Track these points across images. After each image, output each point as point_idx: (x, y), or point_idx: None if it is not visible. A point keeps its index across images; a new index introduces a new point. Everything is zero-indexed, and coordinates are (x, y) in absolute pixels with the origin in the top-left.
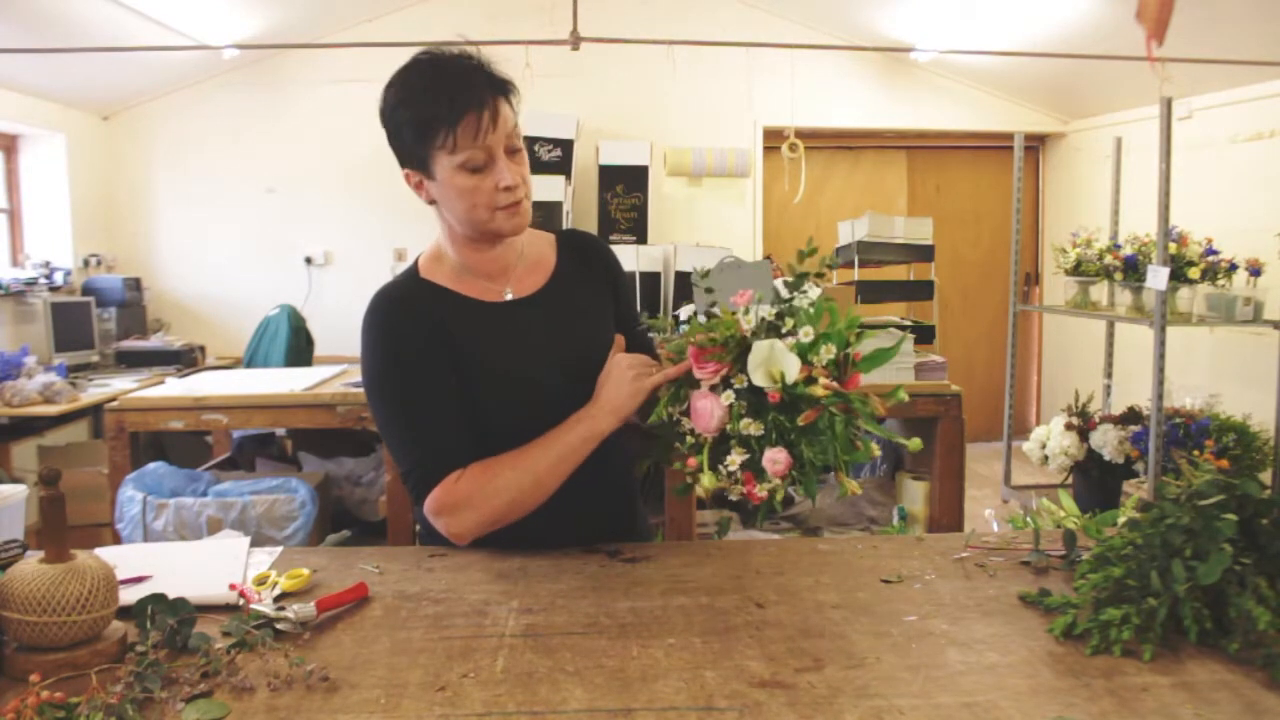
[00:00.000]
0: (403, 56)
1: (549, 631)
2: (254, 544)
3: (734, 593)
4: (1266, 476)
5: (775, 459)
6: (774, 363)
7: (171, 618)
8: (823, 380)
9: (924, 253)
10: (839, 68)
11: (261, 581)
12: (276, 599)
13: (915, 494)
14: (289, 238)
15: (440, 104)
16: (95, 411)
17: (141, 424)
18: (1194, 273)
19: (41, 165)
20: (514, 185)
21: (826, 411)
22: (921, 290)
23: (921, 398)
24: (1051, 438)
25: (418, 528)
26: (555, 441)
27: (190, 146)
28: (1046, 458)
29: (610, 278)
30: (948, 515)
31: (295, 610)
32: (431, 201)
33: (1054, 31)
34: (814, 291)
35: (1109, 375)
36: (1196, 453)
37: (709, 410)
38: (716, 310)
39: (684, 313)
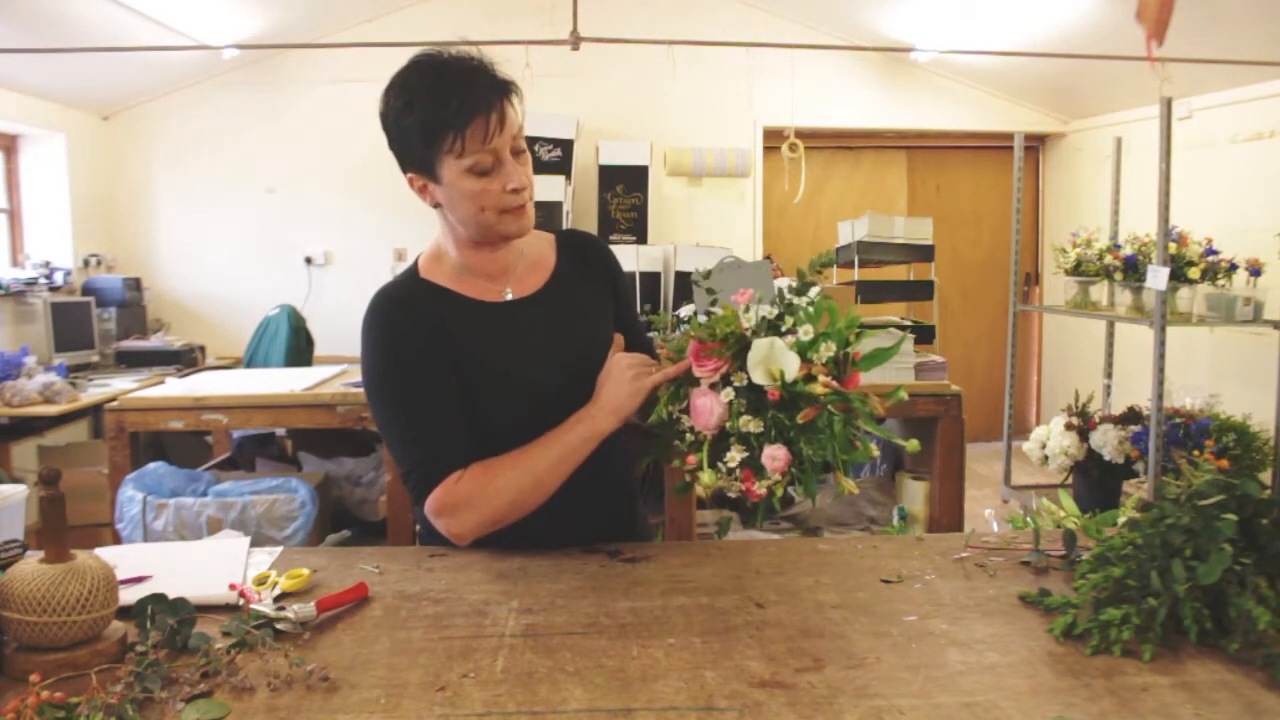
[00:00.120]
0: (403, 56)
1: (549, 631)
2: (254, 544)
3: (734, 593)
4: (1266, 476)
5: (774, 456)
6: (773, 361)
7: (171, 618)
8: (822, 378)
9: (924, 253)
10: (839, 68)
11: (261, 581)
12: (276, 599)
13: (915, 494)
14: (289, 238)
15: (447, 108)
16: (95, 411)
17: (141, 424)
18: (1194, 273)
19: (41, 165)
20: (521, 187)
21: (825, 410)
22: (921, 290)
23: (921, 398)
24: (1051, 438)
25: (418, 528)
26: (555, 441)
27: (190, 146)
28: (1046, 458)
29: (610, 278)
30: (948, 515)
31: (295, 610)
32: (436, 205)
33: (1054, 31)
34: (813, 290)
35: (1109, 375)
36: (1196, 453)
37: (708, 408)
38: (717, 309)
39: (684, 312)
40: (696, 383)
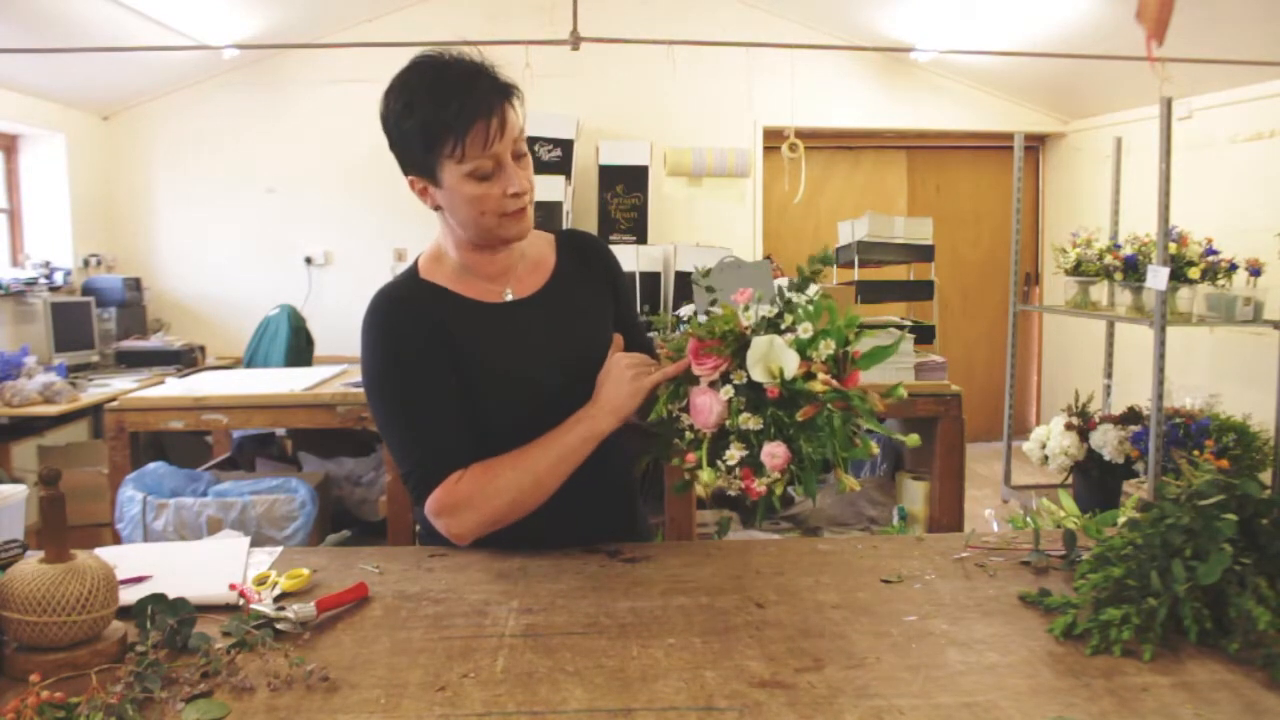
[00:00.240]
0: (403, 56)
1: (549, 631)
2: (254, 544)
3: (734, 593)
4: (1266, 476)
5: (773, 453)
6: (773, 358)
7: (171, 618)
8: (821, 376)
9: (924, 253)
10: (839, 68)
11: (261, 581)
12: (276, 599)
13: (915, 494)
14: (289, 238)
15: (447, 112)
16: (95, 411)
17: (141, 424)
18: (1194, 273)
19: (41, 165)
20: (521, 192)
21: (825, 408)
22: (921, 290)
23: (921, 398)
24: (1051, 438)
25: (418, 528)
26: (555, 442)
27: (190, 146)
28: (1046, 458)
29: (610, 278)
30: (948, 515)
31: (295, 610)
32: (437, 207)
33: (1054, 31)
34: (812, 289)
35: (1109, 375)
36: (1196, 453)
37: (708, 406)
38: (717, 309)
39: (684, 312)
40: (696, 381)
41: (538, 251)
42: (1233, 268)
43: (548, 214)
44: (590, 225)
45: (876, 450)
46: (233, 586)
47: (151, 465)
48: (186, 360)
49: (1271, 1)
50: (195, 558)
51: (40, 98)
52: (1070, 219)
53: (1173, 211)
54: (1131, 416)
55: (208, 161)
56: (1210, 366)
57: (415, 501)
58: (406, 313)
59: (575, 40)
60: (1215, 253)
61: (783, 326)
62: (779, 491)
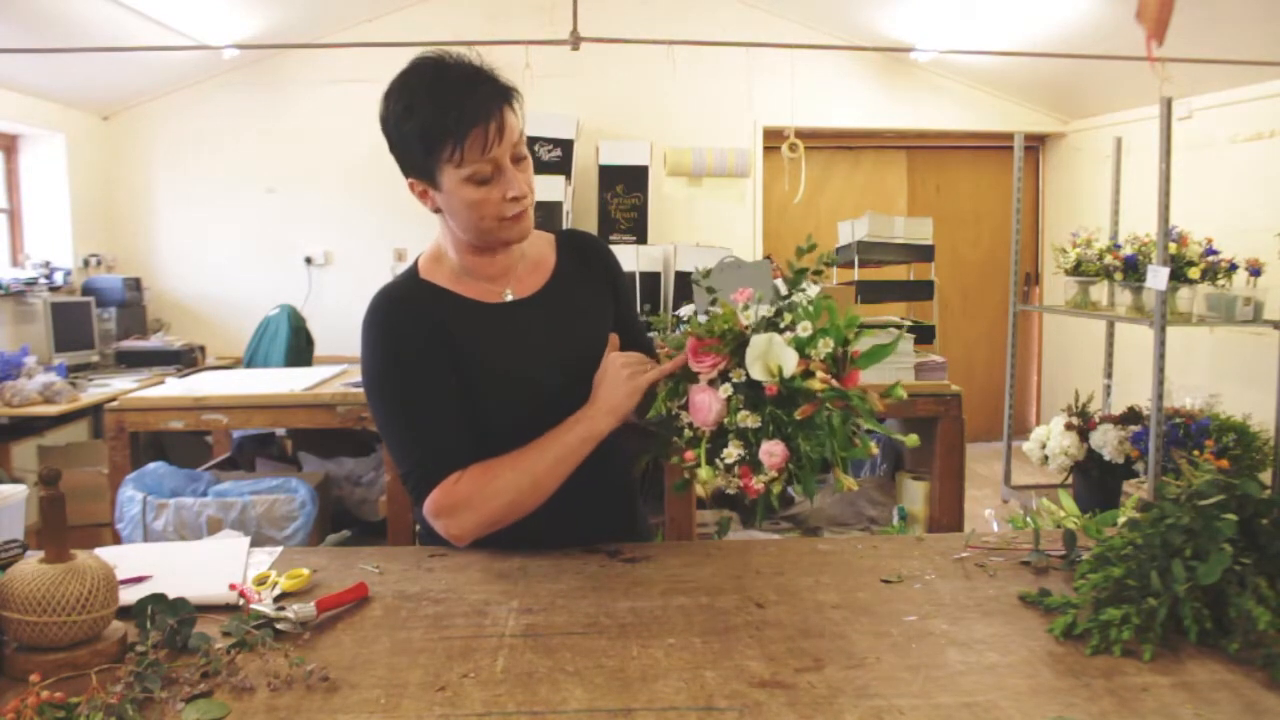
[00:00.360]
0: (403, 56)
1: (549, 631)
2: (254, 544)
3: (734, 593)
4: (1266, 476)
5: (771, 451)
6: (772, 356)
7: (171, 618)
8: (820, 374)
9: (924, 253)
10: (839, 68)
11: (261, 581)
12: (276, 599)
13: (915, 494)
14: (289, 238)
15: (446, 117)
16: (95, 411)
17: (141, 424)
18: (1194, 273)
19: (41, 165)
20: (521, 196)
21: (823, 406)
22: (921, 290)
23: (921, 398)
24: (1051, 438)
25: (418, 528)
26: (554, 443)
27: (190, 146)
28: (1046, 458)
29: (610, 277)
30: (948, 515)
31: (295, 610)
32: (437, 210)
33: (1054, 31)
34: (813, 289)
35: (1109, 375)
36: (1196, 453)
37: (707, 404)
38: (717, 309)
39: (684, 313)
40: (695, 379)
41: (538, 251)
42: (1233, 268)
43: (548, 214)
44: (590, 225)
45: (875, 450)
46: (233, 586)
47: (151, 465)
48: (186, 360)
49: (1271, 1)
50: (195, 558)
51: (40, 98)
52: (1070, 219)
53: (1173, 211)
54: (1131, 416)
55: (208, 161)
56: (1210, 366)
57: (414, 502)
58: (406, 313)
59: (575, 40)
60: (1215, 253)
61: (782, 325)
62: (777, 490)
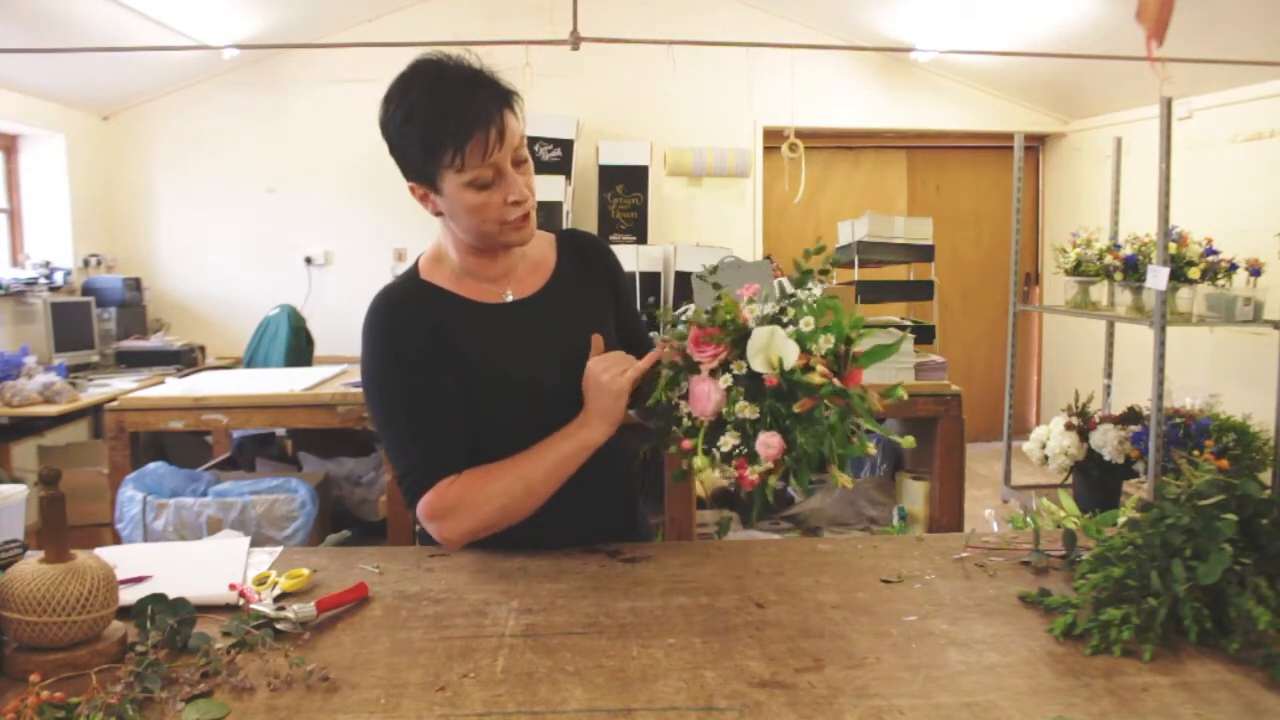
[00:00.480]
0: (403, 56)
1: (549, 631)
2: (254, 544)
3: (734, 593)
4: (1266, 476)
5: (769, 443)
6: (773, 349)
7: (171, 618)
8: (820, 368)
9: (924, 253)
10: (839, 68)
11: (261, 581)
12: (276, 599)
13: (915, 494)
14: (289, 238)
15: (446, 123)
16: (95, 411)
17: (141, 424)
18: (1194, 273)
19: (41, 165)
20: (522, 199)
21: (822, 402)
22: (921, 290)
23: (921, 398)
24: (1051, 438)
25: (418, 528)
26: (550, 451)
27: (190, 146)
28: (1046, 458)
29: (610, 277)
30: (948, 515)
31: (295, 610)
32: (438, 213)
33: (1054, 31)
34: (818, 289)
35: (1109, 375)
36: (1196, 453)
37: (706, 394)
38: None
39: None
40: (696, 369)
41: (538, 252)
42: (1233, 268)
43: (548, 214)
44: (590, 225)
45: (874, 450)
46: (233, 586)
47: (151, 465)
48: (186, 360)
49: (1271, 1)
50: (195, 558)
51: (40, 98)
52: (1070, 219)
53: (1173, 211)
54: (1131, 416)
55: (208, 161)
56: (1210, 366)
57: (408, 504)
58: (406, 314)
59: (575, 40)
60: (1215, 253)
61: (785, 320)
62: (773, 483)
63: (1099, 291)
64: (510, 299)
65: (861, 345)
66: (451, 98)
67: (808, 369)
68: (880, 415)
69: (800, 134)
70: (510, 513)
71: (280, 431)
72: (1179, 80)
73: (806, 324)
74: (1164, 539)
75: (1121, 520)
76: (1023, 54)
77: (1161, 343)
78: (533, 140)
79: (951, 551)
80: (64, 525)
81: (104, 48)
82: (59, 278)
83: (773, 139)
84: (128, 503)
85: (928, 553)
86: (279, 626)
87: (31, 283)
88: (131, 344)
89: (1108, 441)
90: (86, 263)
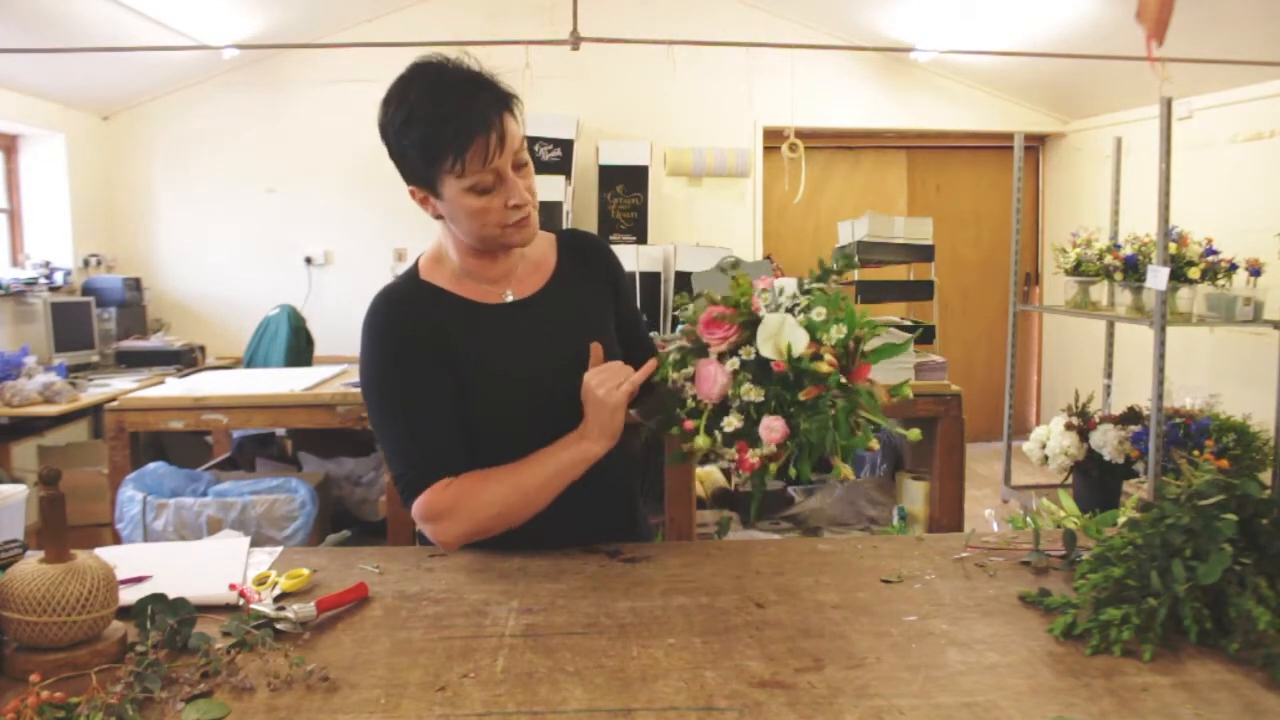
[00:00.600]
0: (403, 56)
1: (549, 631)
2: (254, 544)
3: (734, 593)
4: (1266, 476)
5: (772, 426)
6: (783, 336)
7: (171, 618)
8: (828, 357)
9: (924, 253)
10: (839, 68)
11: (261, 581)
12: (276, 599)
13: (915, 494)
14: (289, 238)
15: (446, 129)
16: (95, 411)
17: (141, 424)
18: (1194, 273)
19: (41, 165)
20: (523, 203)
21: (828, 392)
22: (921, 290)
23: (921, 398)
24: (1051, 438)
25: (417, 528)
26: (549, 460)
27: (190, 146)
28: (1046, 458)
29: (611, 277)
30: (948, 515)
31: (295, 610)
32: (439, 217)
33: (1054, 31)
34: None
35: (1109, 375)
36: (1196, 453)
37: (712, 376)
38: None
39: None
40: (705, 353)
41: (538, 252)
42: (1233, 268)
43: (548, 214)
44: (590, 225)
45: (877, 445)
46: (233, 586)
47: (151, 465)
48: (186, 360)
49: (1271, 1)
50: (195, 558)
51: (40, 98)
52: (1070, 219)
53: (1173, 211)
54: (1131, 416)
55: (208, 161)
56: (1210, 366)
57: (404, 504)
58: (406, 314)
59: (575, 40)
60: (1215, 253)
61: (797, 309)
62: (772, 470)
63: (1099, 291)
64: (510, 299)
65: (869, 343)
66: (451, 103)
67: (816, 358)
68: (885, 409)
69: (800, 134)
70: (506, 518)
71: (280, 431)
72: (1179, 80)
73: (819, 314)
74: (1164, 539)
75: (1121, 520)
76: (1023, 54)
77: (1161, 343)
78: (533, 140)
79: (951, 551)
80: (64, 525)
81: (104, 48)
82: (59, 278)
83: (773, 139)
84: (128, 503)
85: (928, 553)
86: (279, 626)
87: (31, 283)
88: (131, 344)
89: (1108, 441)
90: (86, 263)
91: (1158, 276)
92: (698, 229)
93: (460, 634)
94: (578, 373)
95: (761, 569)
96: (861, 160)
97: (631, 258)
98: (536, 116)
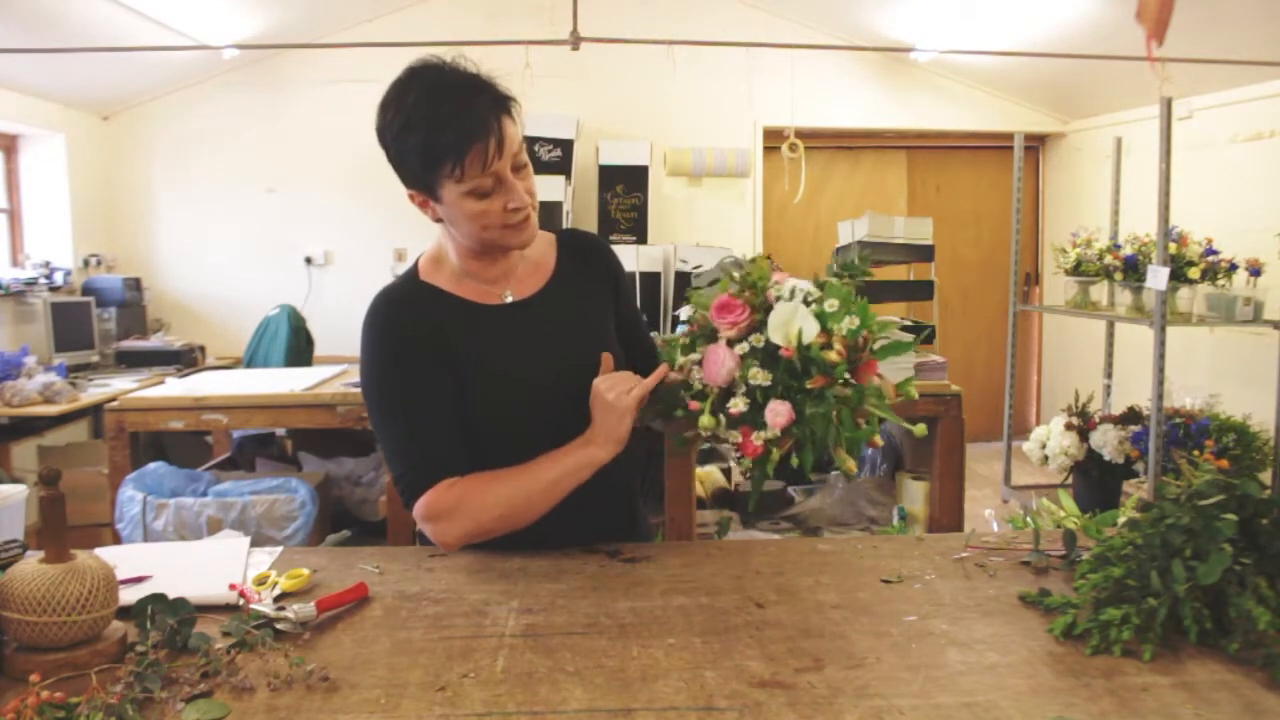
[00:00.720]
0: (403, 56)
1: (549, 631)
2: (254, 544)
3: (734, 593)
4: (1266, 476)
5: (778, 410)
6: (793, 325)
7: (171, 618)
8: (838, 347)
9: (924, 253)
10: (839, 68)
11: (261, 581)
12: (276, 599)
13: (915, 494)
14: (289, 238)
15: (445, 134)
16: (95, 411)
17: (141, 424)
18: (1194, 273)
19: (41, 165)
20: (523, 205)
21: (834, 383)
22: (921, 290)
23: (921, 398)
24: (1051, 438)
25: (418, 528)
26: (553, 464)
27: (190, 146)
28: (1046, 458)
29: (611, 277)
30: (948, 515)
31: (295, 610)
32: (438, 220)
33: (1054, 31)
34: (804, 285)
35: (1109, 375)
36: (1196, 453)
37: (720, 360)
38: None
39: (684, 313)
40: (714, 338)
41: (538, 252)
42: (1233, 268)
43: (548, 214)
44: (590, 225)
45: (881, 442)
46: (233, 586)
47: (151, 465)
48: (186, 360)
49: (1271, 1)
50: (195, 558)
51: (40, 98)
52: (1070, 219)
53: (1173, 211)
54: (1131, 416)
55: (208, 161)
56: (1210, 366)
57: (405, 504)
58: (406, 315)
59: (575, 40)
60: (1215, 253)
61: (809, 301)
62: (775, 458)
63: (1099, 291)
64: (510, 300)
65: (877, 342)
66: (449, 107)
67: (825, 347)
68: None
69: (800, 134)
70: (508, 521)
71: (280, 431)
72: (1179, 80)
73: (831, 305)
74: (1164, 539)
75: (1121, 520)
76: (1023, 54)
77: (1161, 343)
78: (532, 140)
79: (951, 551)
80: (64, 525)
81: (104, 48)
82: (59, 278)
83: (773, 139)
84: (128, 503)
85: (928, 553)
86: (279, 626)
87: (31, 283)
88: (131, 344)
89: (1108, 441)
90: (86, 263)
91: (1158, 276)
92: (698, 229)
93: (460, 634)
94: (578, 373)
95: (761, 569)
96: (861, 160)
97: (631, 258)
98: (536, 116)
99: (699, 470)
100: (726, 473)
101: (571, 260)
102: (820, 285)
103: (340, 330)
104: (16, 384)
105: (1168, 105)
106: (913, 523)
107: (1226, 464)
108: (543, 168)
